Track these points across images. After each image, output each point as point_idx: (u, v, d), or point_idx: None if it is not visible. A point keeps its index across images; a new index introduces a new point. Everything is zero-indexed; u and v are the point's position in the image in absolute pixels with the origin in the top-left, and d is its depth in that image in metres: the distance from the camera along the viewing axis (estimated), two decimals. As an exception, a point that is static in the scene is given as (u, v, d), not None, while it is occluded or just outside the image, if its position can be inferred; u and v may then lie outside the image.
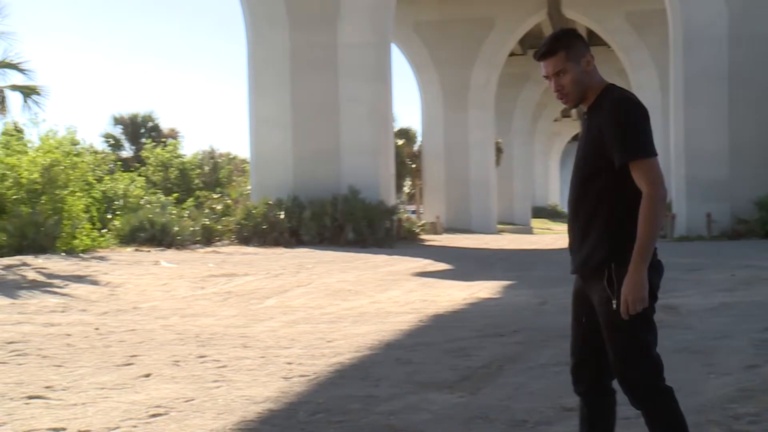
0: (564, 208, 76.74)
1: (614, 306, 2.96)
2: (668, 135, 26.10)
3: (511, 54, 43.23)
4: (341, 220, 21.91)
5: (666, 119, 29.62)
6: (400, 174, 35.49)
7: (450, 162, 37.48)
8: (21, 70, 17.02)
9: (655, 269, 3.07)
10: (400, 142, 37.63)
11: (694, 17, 22.65)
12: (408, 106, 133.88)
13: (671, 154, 24.18)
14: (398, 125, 38.86)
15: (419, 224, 28.15)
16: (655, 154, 3.02)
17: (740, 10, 22.38)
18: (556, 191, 78.53)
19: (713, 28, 22.45)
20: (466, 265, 16.37)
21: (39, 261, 14.14)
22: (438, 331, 7.93)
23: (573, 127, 77.33)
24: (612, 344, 3.04)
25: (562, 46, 3.17)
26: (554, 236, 34.32)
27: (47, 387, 5.42)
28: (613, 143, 3.00)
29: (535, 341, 7.20)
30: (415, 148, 40.87)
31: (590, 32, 42.62)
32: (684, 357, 6.41)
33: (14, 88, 17.22)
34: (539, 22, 40.24)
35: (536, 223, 50.33)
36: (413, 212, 38.60)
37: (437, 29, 37.85)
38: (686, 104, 22.76)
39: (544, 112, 62.33)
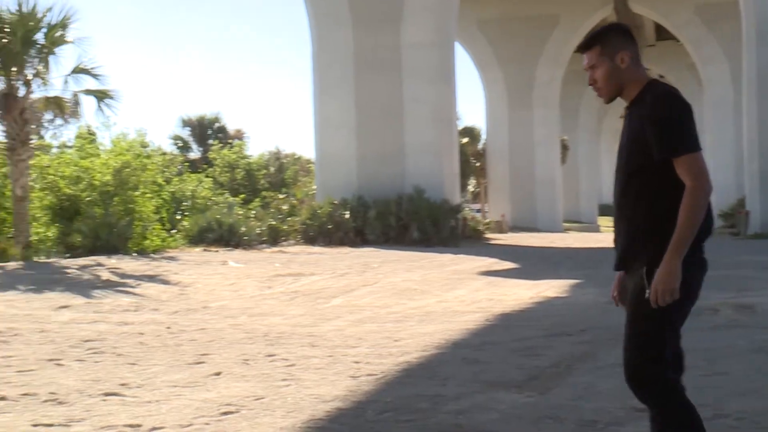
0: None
1: (646, 295, 2.92)
2: (740, 130, 25.51)
3: (576, 51, 42.68)
4: (406, 220, 21.93)
5: (738, 114, 28.94)
6: (465, 173, 35.35)
7: (515, 160, 37.22)
8: (94, 75, 17.43)
9: (700, 267, 3.03)
10: (465, 140, 37.51)
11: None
12: (472, 104, 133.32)
13: (744, 149, 23.60)
14: (462, 124, 38.73)
15: (484, 223, 28.01)
16: (699, 149, 2.96)
17: (815, 1, 21.73)
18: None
19: (787, 19, 21.85)
20: (532, 263, 16.22)
21: (112, 261, 14.49)
22: (505, 330, 7.89)
23: (640, 123, 76.08)
24: (629, 331, 2.99)
25: (597, 41, 3.17)
26: (622, 234, 33.80)
27: (122, 384, 5.55)
28: (654, 139, 2.96)
29: (603, 340, 7.11)
30: (480, 146, 40.69)
31: (658, 27, 41.87)
32: (762, 357, 6.25)
33: (88, 92, 17.64)
34: (605, 18, 39.63)
35: (603, 221, 49.60)
36: (478, 211, 38.42)
37: (501, 27, 37.61)
38: (760, 97, 22.17)
39: (610, 109, 61.33)
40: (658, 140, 2.95)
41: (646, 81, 3.14)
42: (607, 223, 50.19)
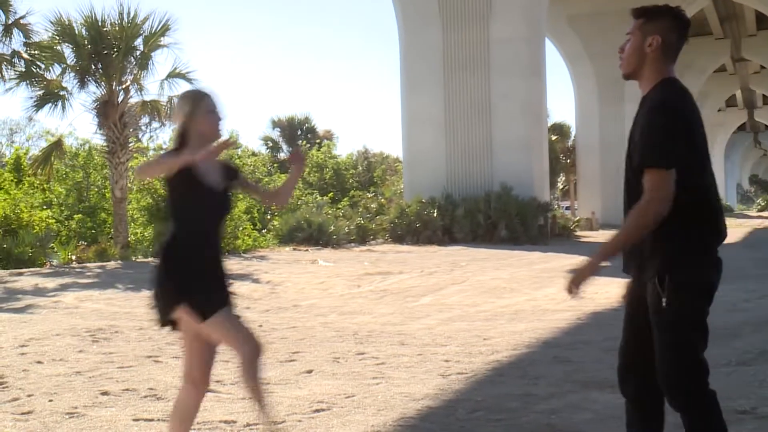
0: (729, 202, 73.35)
1: (663, 304, 2.84)
2: None
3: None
4: (494, 218, 21.79)
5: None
6: (554, 170, 34.90)
7: (605, 157, 36.52)
8: (188, 80, 17.96)
9: (715, 268, 2.92)
10: (554, 137, 37.02)
11: None
12: (562, 101, 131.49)
13: None
14: (551, 120, 38.23)
15: (574, 221, 27.59)
16: (669, 166, 2.81)
17: None
18: (721, 184, 74.97)
19: None
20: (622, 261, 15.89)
21: (206, 260, 14.82)
22: (596, 329, 7.75)
23: (738, 117, 73.61)
24: (658, 343, 2.91)
25: (644, 14, 3.09)
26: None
27: (218, 381, 5.67)
28: (638, 145, 2.89)
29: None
30: (569, 143, 40.09)
31: (760, 16, 40.45)
32: None
33: (183, 96, 18.19)
34: (703, 8, 38.51)
35: (699, 219, 48.28)
36: (567, 208, 37.84)
37: (591, 22, 36.95)
38: None
39: (707, 102, 59.65)
40: (640, 147, 2.87)
41: (661, 78, 3.01)
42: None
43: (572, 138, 40.06)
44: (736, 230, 28.74)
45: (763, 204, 72.28)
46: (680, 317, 2.86)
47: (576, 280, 2.98)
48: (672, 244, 2.89)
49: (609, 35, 36.91)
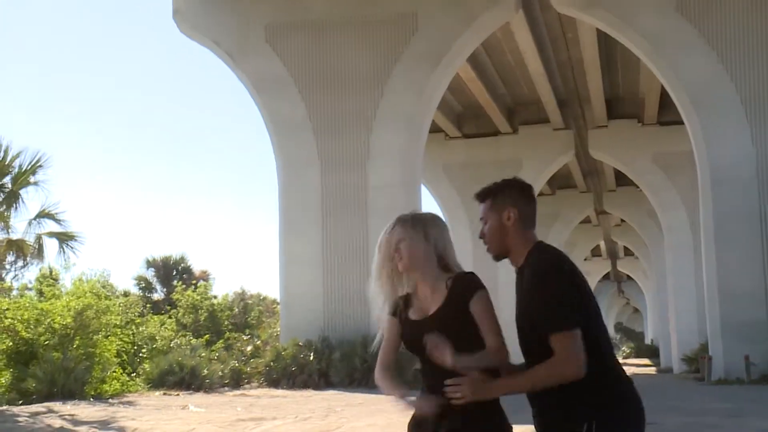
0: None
1: None
2: (701, 275, 25.88)
3: (540, 194, 43.66)
4: (371, 362, 21.66)
5: (698, 259, 29.44)
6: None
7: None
8: (57, 220, 17.54)
9: (636, 420, 2.95)
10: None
11: (721, 158, 22.83)
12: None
13: (704, 294, 23.89)
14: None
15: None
16: (573, 327, 2.90)
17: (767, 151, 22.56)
18: (589, 331, 77.35)
19: (741, 169, 22.58)
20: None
21: (67, 408, 14.02)
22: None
23: (603, 266, 76.98)
24: None
25: (490, 194, 3.18)
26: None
27: None
28: (534, 316, 2.95)
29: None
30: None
31: (619, 173, 43.12)
32: None
33: (51, 235, 17.67)
34: (567, 163, 40.82)
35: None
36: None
37: (466, 171, 38.48)
38: (717, 245, 22.63)
39: (574, 251, 62.21)
40: (538, 316, 2.93)
41: (531, 245, 3.08)
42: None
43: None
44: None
45: (628, 351, 74.77)
46: None
47: (470, 393, 2.88)
48: (595, 401, 2.88)
49: (482, 183, 38.33)
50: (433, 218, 3.34)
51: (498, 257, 3.19)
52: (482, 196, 3.17)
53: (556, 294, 2.88)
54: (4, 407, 14.41)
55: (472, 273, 3.16)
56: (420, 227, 3.24)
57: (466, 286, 3.11)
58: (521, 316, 3.05)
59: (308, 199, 24.24)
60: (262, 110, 25.26)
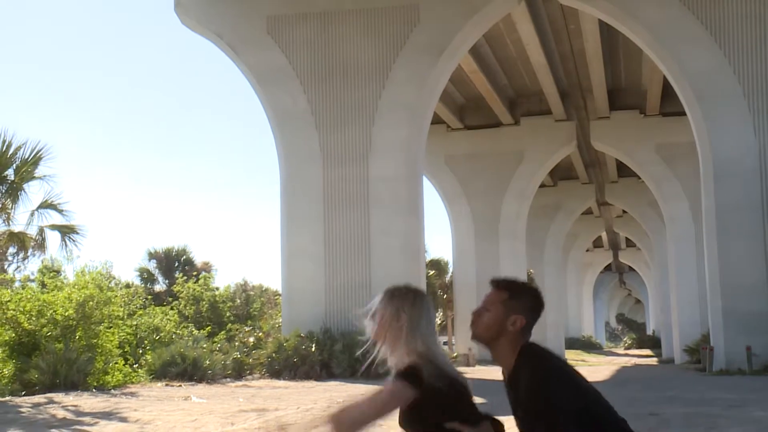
0: (598, 339, 75.60)
1: None
2: (703, 266, 25.87)
3: (542, 185, 43.67)
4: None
5: (700, 250, 29.46)
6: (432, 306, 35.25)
7: (482, 293, 36.73)
8: (60, 211, 17.53)
9: None
10: (432, 273, 37.64)
11: (724, 150, 22.82)
12: (440, 237, 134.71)
13: (706, 285, 23.89)
14: (429, 256, 38.98)
15: (452, 356, 27.77)
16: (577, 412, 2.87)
17: (769, 142, 22.54)
18: (590, 322, 77.55)
19: (743, 160, 22.58)
20: (500, 399, 15.99)
21: (69, 399, 14.06)
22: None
23: (605, 257, 77.04)
24: None
25: (509, 289, 3.11)
26: (589, 368, 33.64)
27: None
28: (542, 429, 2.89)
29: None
30: (447, 278, 40.82)
31: (620, 164, 43.09)
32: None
33: (53, 227, 17.68)
34: (569, 154, 40.80)
35: (570, 354, 49.46)
36: (445, 344, 38.14)
37: (468, 162, 38.51)
38: (719, 236, 22.64)
39: (576, 242, 62.38)
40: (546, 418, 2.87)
41: (520, 346, 3.03)
42: (573, 356, 50.06)
43: (450, 274, 40.85)
44: (605, 368, 29.53)
45: (629, 342, 74.87)
46: None
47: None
48: None
49: (485, 175, 38.50)
50: (414, 296, 3.35)
51: (479, 342, 3.16)
52: (501, 285, 3.13)
53: (557, 402, 2.85)
54: (7, 398, 14.46)
55: (411, 366, 3.13)
56: (396, 302, 3.31)
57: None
58: (525, 419, 2.99)
59: (310, 191, 24.25)
60: (264, 102, 25.24)
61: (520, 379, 2.97)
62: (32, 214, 17.41)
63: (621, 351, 68.13)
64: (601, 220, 59.10)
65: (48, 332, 16.76)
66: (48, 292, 17.85)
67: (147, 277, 40.51)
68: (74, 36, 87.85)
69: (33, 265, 35.35)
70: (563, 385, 2.90)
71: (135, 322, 21.45)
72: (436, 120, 32.74)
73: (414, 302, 3.26)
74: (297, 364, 21.47)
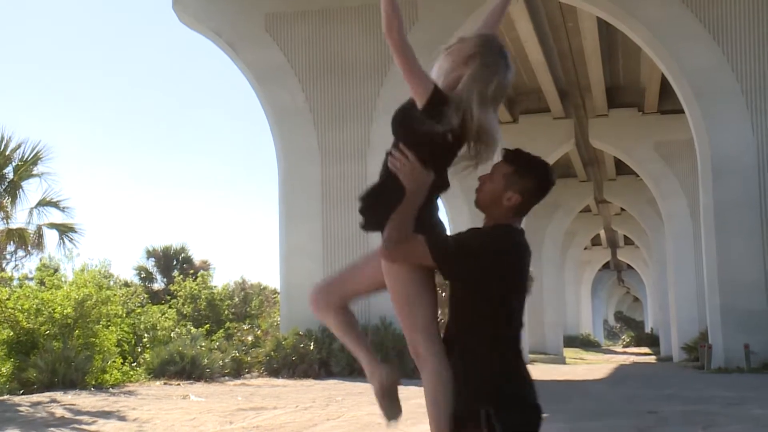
0: (597, 337, 75.63)
1: None
2: (701, 263, 25.88)
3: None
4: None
5: (698, 248, 29.45)
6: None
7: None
8: (60, 208, 17.53)
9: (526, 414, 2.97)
10: (430, 271, 37.58)
11: (722, 147, 22.83)
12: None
13: (705, 283, 23.90)
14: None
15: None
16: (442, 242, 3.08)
17: (768, 140, 22.54)
18: (588, 320, 77.53)
19: (741, 158, 22.59)
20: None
21: (68, 397, 14.06)
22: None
23: (603, 255, 77.01)
24: None
25: (515, 164, 3.14)
26: (588, 366, 33.67)
27: None
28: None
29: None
30: (446, 277, 40.81)
31: (619, 162, 43.09)
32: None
33: (51, 226, 17.67)
34: (567, 152, 40.79)
35: (569, 353, 49.49)
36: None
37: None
38: (717, 233, 22.64)
39: (574, 240, 62.30)
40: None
41: (506, 223, 3.15)
42: (572, 354, 50.11)
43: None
44: (603, 366, 29.54)
45: (628, 340, 74.90)
46: None
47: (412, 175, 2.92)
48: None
49: (480, 173, 38.50)
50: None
51: (478, 208, 3.25)
52: (510, 157, 3.15)
53: (469, 240, 2.90)
54: (5, 397, 14.45)
55: None
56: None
57: None
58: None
59: (308, 188, 24.23)
60: (263, 100, 25.22)
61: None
62: (31, 212, 17.43)
63: (619, 349, 68.20)
64: (599, 217, 59.11)
65: (46, 331, 16.75)
66: (47, 291, 17.84)
67: (145, 275, 40.48)
68: (74, 36, 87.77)
69: (31, 264, 35.35)
70: (489, 248, 3.02)
71: (133, 321, 21.43)
72: (435, 118, 32.69)
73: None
74: (295, 362, 21.45)
